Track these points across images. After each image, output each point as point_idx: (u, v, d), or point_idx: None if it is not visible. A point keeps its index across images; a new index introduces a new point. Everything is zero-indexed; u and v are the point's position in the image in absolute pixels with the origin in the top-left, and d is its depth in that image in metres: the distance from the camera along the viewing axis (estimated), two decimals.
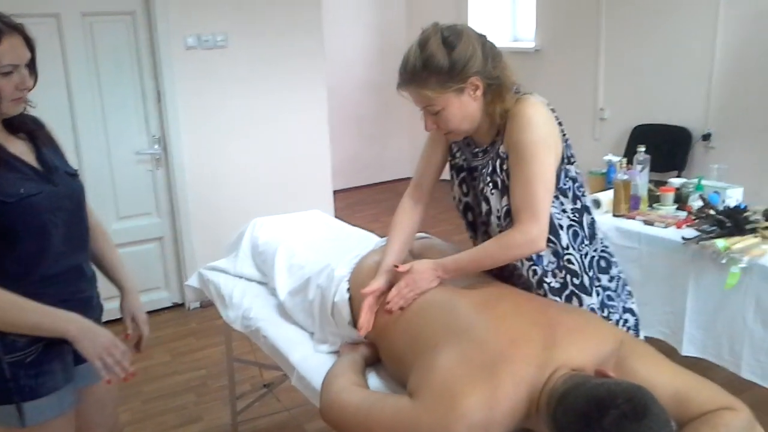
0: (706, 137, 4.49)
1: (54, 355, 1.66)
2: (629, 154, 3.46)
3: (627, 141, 4.86)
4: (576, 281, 1.72)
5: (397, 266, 1.74)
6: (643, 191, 3.07)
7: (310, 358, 1.86)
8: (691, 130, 4.56)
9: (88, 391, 1.84)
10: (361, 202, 6.51)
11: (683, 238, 2.69)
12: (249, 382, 3.20)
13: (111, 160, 3.90)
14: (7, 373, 1.59)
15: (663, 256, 2.81)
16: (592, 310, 1.73)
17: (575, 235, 1.72)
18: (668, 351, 2.34)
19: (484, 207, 1.74)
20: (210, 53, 4.02)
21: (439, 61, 1.57)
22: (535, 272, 1.72)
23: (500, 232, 1.70)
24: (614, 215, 3.03)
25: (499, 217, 1.71)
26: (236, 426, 2.82)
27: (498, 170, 1.69)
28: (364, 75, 6.81)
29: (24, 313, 1.55)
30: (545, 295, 1.72)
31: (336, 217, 3.06)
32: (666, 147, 4.49)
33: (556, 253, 1.71)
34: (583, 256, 1.74)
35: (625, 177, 3.01)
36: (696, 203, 2.95)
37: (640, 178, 3.05)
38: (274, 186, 4.41)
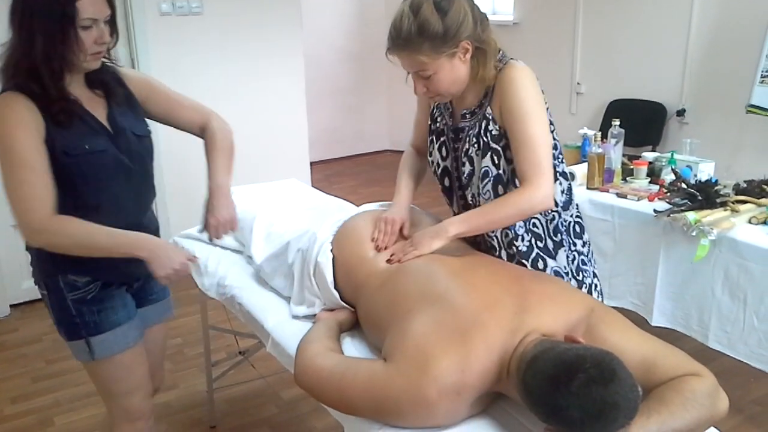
0: (681, 113, 4.53)
1: (113, 292, 1.81)
2: (605, 128, 3.49)
3: (603, 115, 4.90)
4: (540, 244, 1.77)
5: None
6: (616, 164, 3.11)
7: (285, 324, 1.86)
8: (666, 105, 4.61)
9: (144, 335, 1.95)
10: (338, 174, 6.49)
11: (655, 211, 2.73)
12: (225, 350, 3.21)
13: None
14: (73, 309, 1.75)
15: (635, 228, 2.85)
16: (557, 273, 1.78)
17: None
18: (639, 321, 2.38)
19: (467, 168, 1.76)
20: (185, 20, 3.96)
21: (433, 27, 1.58)
22: (506, 234, 1.76)
23: (479, 194, 1.74)
24: (588, 188, 3.07)
25: (479, 178, 1.73)
26: (212, 393, 2.84)
27: (482, 132, 1.72)
28: (342, 45, 6.74)
29: (96, 237, 1.65)
30: (514, 257, 1.77)
31: (313, 188, 3.05)
32: (641, 122, 4.52)
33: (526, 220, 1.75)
34: (549, 221, 1.78)
35: (600, 150, 3.04)
36: (668, 177, 3.00)
37: (614, 152, 3.09)
38: (250, 156, 4.36)
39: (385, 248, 1.75)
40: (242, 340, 2.85)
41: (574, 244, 1.84)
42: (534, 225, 1.77)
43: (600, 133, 3.14)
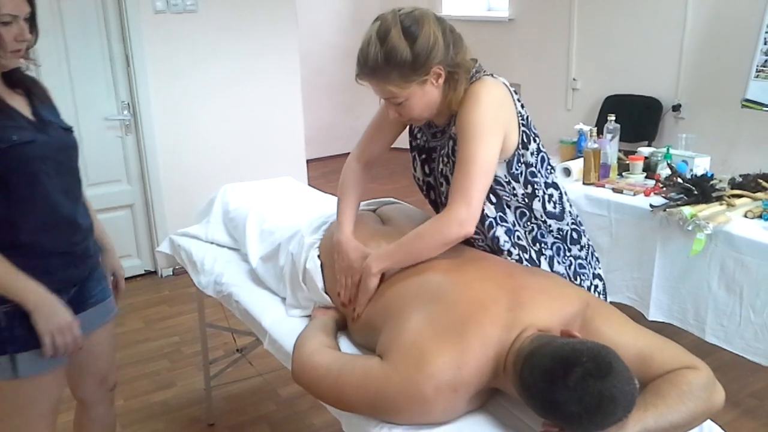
0: (676, 108, 4.54)
1: None
2: (600, 123, 3.49)
3: (599, 111, 4.90)
4: (525, 256, 1.73)
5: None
6: (612, 160, 3.11)
7: (282, 322, 1.86)
8: (662, 100, 4.61)
9: (88, 339, 1.85)
10: (334, 171, 6.42)
11: (651, 206, 2.73)
12: (222, 348, 3.21)
13: (79, 127, 3.82)
14: (3, 321, 1.63)
15: (631, 223, 2.86)
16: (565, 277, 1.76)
17: (522, 215, 1.72)
18: (636, 316, 2.39)
19: (444, 187, 1.73)
20: (180, 17, 3.95)
21: (401, 55, 1.51)
22: (493, 251, 1.73)
23: None
24: (584, 183, 3.07)
25: None
26: (210, 391, 2.84)
27: (450, 151, 1.68)
28: (337, 42, 6.73)
29: None
30: None
31: (309, 186, 3.05)
32: (637, 117, 4.53)
33: (508, 231, 1.71)
34: (528, 232, 1.74)
35: (595, 146, 3.04)
36: (664, 172, 3.00)
37: (610, 147, 3.09)
38: (246, 154, 4.37)
39: (349, 301, 1.69)
40: (239, 337, 2.85)
41: (569, 251, 1.79)
42: (518, 238, 1.72)
43: (596, 128, 3.15)
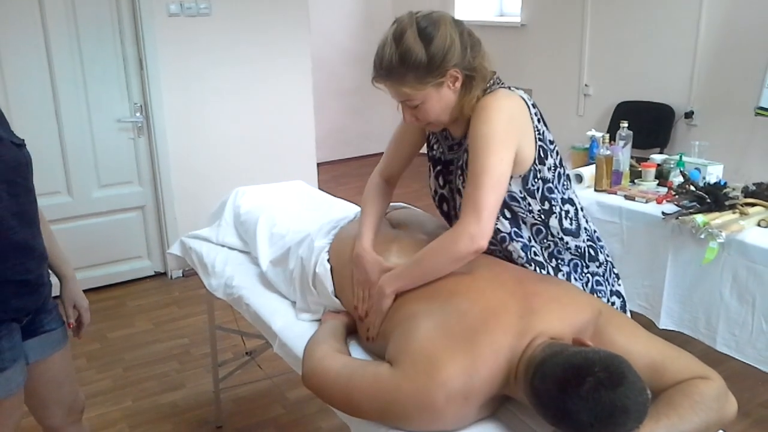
0: (689, 115, 4.52)
1: (1, 332, 1.61)
2: (612, 130, 3.48)
3: (611, 117, 4.88)
4: (543, 271, 1.71)
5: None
6: (624, 167, 3.10)
7: (292, 326, 1.86)
8: (674, 107, 4.59)
9: (42, 368, 1.80)
10: (345, 175, 6.50)
11: (663, 214, 2.72)
12: (231, 350, 3.21)
13: (92, 128, 3.86)
14: None
15: (643, 231, 2.84)
16: None
17: (538, 232, 1.70)
18: (646, 324, 2.38)
19: (459, 200, 1.71)
20: (193, 21, 3.97)
21: (416, 56, 1.49)
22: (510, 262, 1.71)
23: None
24: (596, 190, 3.06)
25: None
26: (218, 393, 2.84)
27: (465, 164, 1.65)
28: (349, 46, 6.75)
29: None
30: None
31: (320, 189, 3.05)
32: (649, 124, 4.51)
33: (524, 247, 1.69)
34: (544, 249, 1.72)
35: (608, 152, 3.03)
36: (677, 179, 2.98)
37: (622, 154, 3.08)
38: (258, 156, 4.39)
39: (366, 314, 1.65)
40: (249, 340, 2.85)
41: (587, 267, 1.76)
42: (534, 254, 1.70)
43: (608, 135, 3.13)
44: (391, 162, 1.89)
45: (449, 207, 1.80)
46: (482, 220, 1.49)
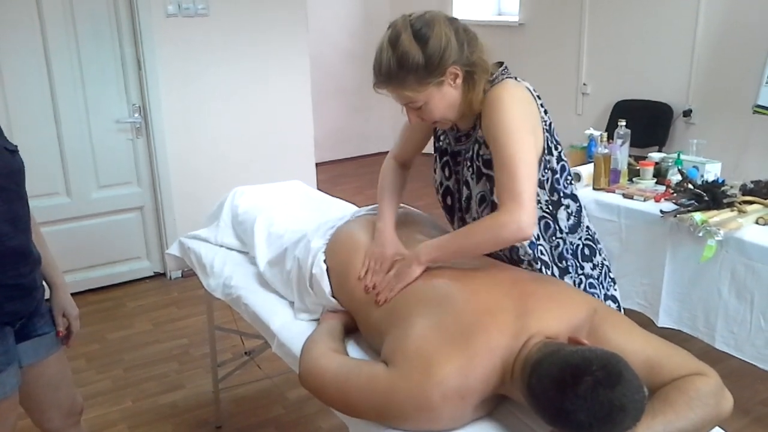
0: (687, 113, 4.52)
1: None
2: (611, 128, 3.48)
3: (609, 116, 4.89)
4: (548, 272, 1.70)
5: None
6: (623, 165, 3.10)
7: (291, 325, 1.86)
8: (673, 106, 4.59)
9: (37, 371, 1.80)
10: (344, 175, 6.50)
11: (661, 212, 2.72)
12: (231, 350, 3.21)
13: (90, 129, 3.86)
14: None
15: (641, 229, 2.85)
16: None
17: (546, 226, 1.70)
18: (645, 323, 2.38)
19: (465, 192, 1.72)
20: (191, 21, 3.97)
21: (414, 58, 1.51)
22: (514, 262, 1.71)
23: (478, 218, 1.67)
24: (594, 188, 3.06)
25: (477, 203, 1.69)
26: (218, 393, 2.84)
27: (475, 155, 1.66)
28: (347, 46, 6.75)
29: None
30: None
31: (318, 189, 3.05)
32: (647, 122, 4.52)
33: (531, 244, 1.68)
34: (554, 248, 1.72)
35: (606, 151, 3.03)
36: (675, 177, 2.99)
37: (621, 153, 3.08)
38: (257, 157, 4.39)
39: (373, 287, 1.65)
40: (248, 340, 2.85)
41: (582, 268, 1.76)
42: (541, 252, 1.70)
43: (606, 133, 3.14)
44: (405, 145, 1.92)
45: (453, 200, 1.81)
46: (526, 209, 1.48)
